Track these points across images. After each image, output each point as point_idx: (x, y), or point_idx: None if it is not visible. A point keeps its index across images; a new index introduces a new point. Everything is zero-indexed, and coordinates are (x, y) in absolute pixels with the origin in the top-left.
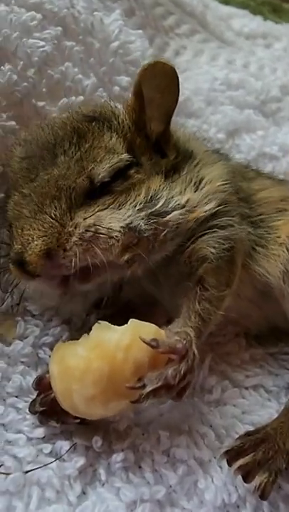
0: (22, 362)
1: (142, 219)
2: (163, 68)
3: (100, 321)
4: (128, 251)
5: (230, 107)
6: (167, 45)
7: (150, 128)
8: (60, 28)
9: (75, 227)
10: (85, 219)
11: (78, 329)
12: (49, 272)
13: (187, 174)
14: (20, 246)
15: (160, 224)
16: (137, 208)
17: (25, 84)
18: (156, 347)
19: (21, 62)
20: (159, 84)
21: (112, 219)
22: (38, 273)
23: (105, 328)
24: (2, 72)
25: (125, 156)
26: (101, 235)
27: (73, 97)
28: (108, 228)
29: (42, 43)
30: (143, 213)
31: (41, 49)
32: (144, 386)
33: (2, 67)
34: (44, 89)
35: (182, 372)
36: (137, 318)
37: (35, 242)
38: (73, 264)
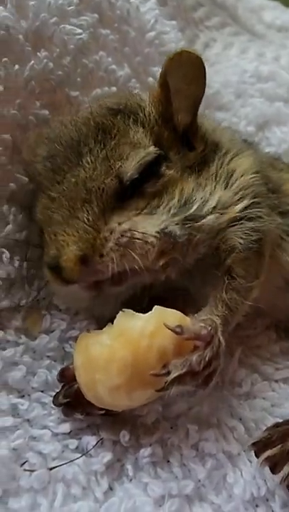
0: (48, 356)
1: (177, 224)
2: (189, 58)
3: (124, 309)
4: (163, 256)
5: (260, 99)
6: (197, 37)
7: (177, 120)
8: (96, 15)
9: (111, 233)
10: (120, 224)
11: (106, 323)
12: (84, 277)
13: (216, 168)
14: (54, 251)
15: (194, 228)
16: (171, 212)
17: (60, 72)
18: (180, 333)
19: (57, 50)
20: (186, 74)
21: (147, 224)
22: (75, 280)
23: (129, 315)
24: (38, 59)
25: (152, 149)
26: (137, 241)
27: (106, 88)
28: (143, 233)
29: (79, 31)
30: (177, 218)
31: (78, 36)
32: (168, 373)
33: (38, 53)
34: (78, 79)
35: (207, 358)
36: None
37: (71, 248)
38: (110, 269)
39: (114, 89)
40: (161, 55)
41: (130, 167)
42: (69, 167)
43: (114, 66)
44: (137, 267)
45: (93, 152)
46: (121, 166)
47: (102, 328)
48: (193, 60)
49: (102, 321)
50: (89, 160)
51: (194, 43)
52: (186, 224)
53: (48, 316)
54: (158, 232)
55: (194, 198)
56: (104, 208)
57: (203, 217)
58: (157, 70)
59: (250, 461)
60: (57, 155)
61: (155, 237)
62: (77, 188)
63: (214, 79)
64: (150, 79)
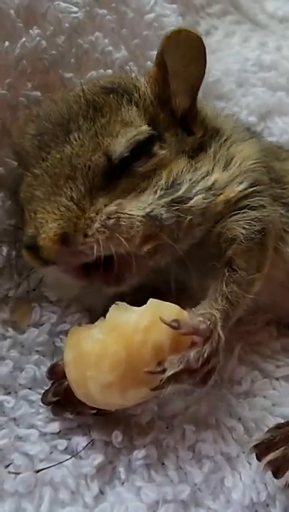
0: (37, 351)
1: (163, 206)
2: (188, 37)
3: (117, 302)
4: (150, 241)
5: (263, 88)
6: (198, 24)
7: (175, 103)
8: None
9: (97, 213)
10: (106, 205)
11: (99, 316)
12: (65, 259)
13: (215, 152)
14: (33, 230)
15: (182, 211)
16: (157, 194)
17: (53, 52)
18: (177, 328)
19: (51, 28)
20: (184, 55)
21: (134, 206)
22: (53, 260)
23: (123, 309)
24: (30, 36)
25: (145, 128)
26: (123, 223)
27: (102, 70)
28: (129, 216)
29: (74, 9)
30: (163, 200)
31: (73, 15)
32: (164, 370)
33: (30, 30)
34: (72, 60)
35: (206, 355)
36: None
37: (50, 225)
38: (95, 251)
39: (110, 71)
40: (160, 38)
41: (120, 145)
42: (56, 144)
43: (110, 48)
44: (123, 251)
45: (82, 129)
46: (110, 143)
47: (94, 323)
48: (193, 39)
49: (95, 314)
50: (76, 136)
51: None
52: (173, 206)
53: (38, 308)
54: (144, 216)
55: (184, 179)
56: (90, 186)
57: (192, 198)
58: (155, 54)
59: (250, 464)
60: (45, 132)
61: (140, 220)
62: (61, 164)
63: (215, 67)
64: (148, 63)
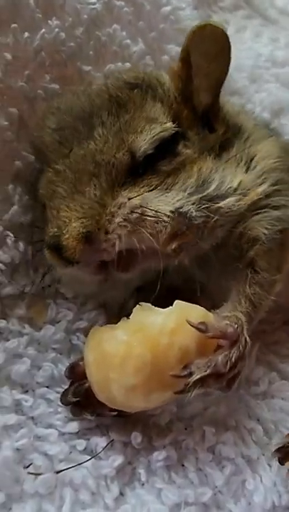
0: (53, 348)
1: (193, 204)
2: (213, 32)
3: (141, 303)
4: (176, 238)
5: (276, 84)
6: (210, 18)
7: (198, 99)
8: None
9: (119, 208)
10: (130, 199)
11: (116, 313)
12: (88, 257)
13: (237, 152)
14: (56, 229)
15: (212, 210)
16: (187, 191)
17: (72, 44)
18: (205, 331)
19: (70, 19)
20: (208, 50)
21: (161, 201)
22: (77, 259)
23: (148, 310)
24: (49, 27)
25: (170, 124)
26: (148, 218)
27: (119, 63)
28: (156, 211)
29: (92, 0)
30: (194, 198)
31: (91, 6)
32: (190, 374)
33: (49, 21)
34: (91, 52)
35: (233, 359)
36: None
37: (74, 225)
38: (116, 248)
39: (127, 65)
40: (177, 32)
41: (144, 141)
42: (78, 139)
43: (128, 41)
44: (146, 248)
45: (105, 125)
46: (134, 139)
47: (111, 320)
48: (218, 35)
49: (112, 311)
50: (100, 132)
51: None
52: (204, 204)
53: (54, 305)
54: (172, 212)
55: (213, 178)
56: (113, 183)
57: (222, 198)
58: (172, 48)
59: (270, 466)
60: (66, 127)
61: (169, 216)
62: (85, 160)
63: None
64: (165, 57)
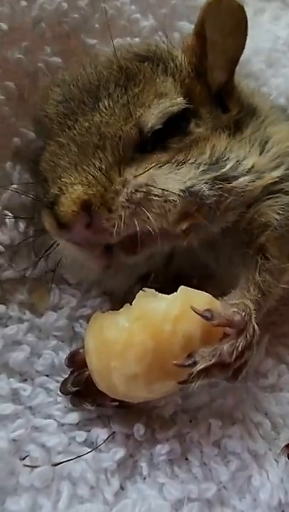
0: (55, 336)
1: (206, 183)
2: (229, 6)
3: (144, 289)
4: (186, 219)
5: None
6: None
7: (212, 76)
8: None
9: (123, 186)
10: (135, 177)
11: (121, 301)
12: (89, 238)
13: (252, 133)
14: (57, 190)
15: (225, 190)
16: (200, 169)
17: (75, 15)
18: (210, 319)
19: None
20: (224, 25)
21: (170, 179)
22: (68, 221)
23: (151, 296)
24: None
25: (180, 100)
26: (154, 198)
27: (128, 38)
28: (164, 190)
29: None
30: (207, 176)
31: None
32: (194, 363)
33: None
34: (96, 25)
35: (240, 348)
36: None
37: (75, 187)
38: (117, 229)
39: (136, 40)
40: (189, 9)
41: (152, 116)
42: (83, 111)
43: (138, 15)
44: (151, 230)
45: (112, 97)
46: (142, 114)
47: (116, 308)
48: (234, 9)
49: (116, 299)
50: (106, 104)
51: None
52: (217, 184)
53: (57, 290)
54: (182, 191)
55: (228, 157)
56: (120, 158)
57: (237, 178)
58: (184, 25)
59: (277, 462)
60: (72, 99)
61: (178, 195)
62: (89, 132)
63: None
64: (176, 33)
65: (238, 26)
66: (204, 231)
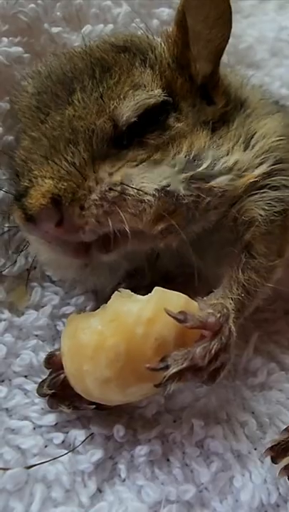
0: (36, 335)
1: (182, 182)
2: None
3: (120, 289)
4: (162, 220)
5: None
6: None
7: (195, 68)
8: None
9: (97, 183)
10: (110, 174)
11: (106, 299)
12: (60, 236)
13: (237, 128)
14: (27, 182)
15: (203, 190)
16: (177, 167)
17: (31, 5)
18: (183, 321)
19: None
20: (208, 16)
21: (145, 178)
22: (35, 213)
23: (126, 297)
24: None
25: (158, 91)
26: (129, 197)
27: (101, 25)
28: (139, 189)
29: None
30: (183, 176)
31: None
32: (167, 367)
33: None
34: (58, 13)
35: (213, 351)
36: (175, 289)
37: (46, 181)
38: (89, 227)
39: (111, 26)
40: None
41: (127, 108)
42: (56, 104)
43: (108, 2)
44: (126, 230)
45: (86, 89)
46: (116, 106)
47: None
48: None
49: (102, 296)
50: (80, 97)
51: None
52: (194, 183)
53: (39, 288)
54: (157, 190)
55: (205, 155)
56: (93, 153)
57: (215, 177)
58: (162, 11)
59: (262, 462)
60: (45, 91)
61: (153, 195)
62: (61, 126)
63: (248, 32)
64: (155, 21)
65: (223, 16)
66: (184, 232)
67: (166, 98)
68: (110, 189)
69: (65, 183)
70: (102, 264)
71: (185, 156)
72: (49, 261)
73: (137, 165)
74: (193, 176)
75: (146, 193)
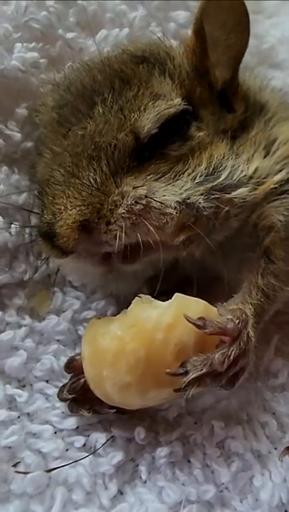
0: (57, 340)
1: (202, 194)
2: (230, 1)
3: (140, 295)
4: (184, 231)
5: None
6: None
7: (214, 75)
8: None
9: (123, 197)
10: (135, 188)
11: (127, 303)
12: (87, 248)
13: (257, 134)
14: (50, 216)
15: (223, 201)
16: (196, 180)
17: (44, 13)
18: (202, 327)
19: None
20: (226, 22)
21: (167, 191)
22: (71, 249)
23: (146, 303)
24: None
25: (178, 101)
26: (153, 210)
27: (117, 29)
28: (162, 202)
29: None
30: (203, 188)
31: None
32: (186, 373)
33: None
34: (72, 19)
35: (232, 357)
36: (196, 294)
37: (69, 212)
38: (118, 240)
39: (126, 30)
40: None
41: (147, 120)
42: (77, 119)
43: (123, 7)
44: (151, 241)
45: (107, 102)
46: (137, 119)
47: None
48: (236, 4)
49: (124, 301)
50: (100, 111)
51: None
52: (213, 195)
53: (60, 293)
54: (179, 203)
55: (224, 166)
56: (115, 168)
57: (234, 188)
58: (179, 14)
59: (282, 461)
60: (65, 104)
61: (175, 208)
62: (83, 143)
63: (270, 32)
64: (172, 24)
65: (241, 21)
66: (206, 241)
67: (186, 107)
68: (136, 202)
69: (90, 206)
70: (124, 272)
71: (205, 168)
72: (74, 270)
73: (159, 177)
74: (212, 188)
75: (168, 206)
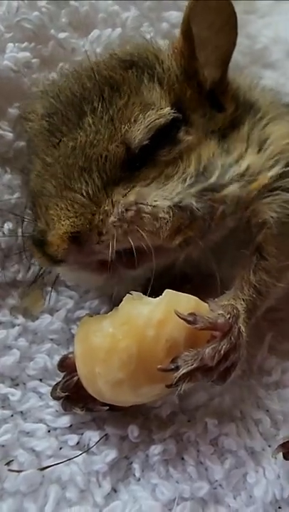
0: (50, 339)
1: (194, 196)
2: (217, 2)
3: (132, 292)
4: (180, 234)
5: None
6: None
7: (203, 75)
8: None
9: (113, 206)
10: (124, 196)
11: (121, 302)
12: (79, 260)
13: (248, 132)
14: (43, 225)
15: (216, 200)
16: (187, 182)
17: (35, 13)
18: (193, 323)
19: None
20: (214, 22)
21: (158, 196)
22: (61, 258)
23: (137, 300)
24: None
25: (167, 110)
26: (145, 215)
27: (109, 29)
28: (153, 207)
29: None
30: (194, 189)
31: None
32: (177, 368)
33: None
34: (64, 20)
35: (222, 351)
36: (190, 290)
37: (62, 223)
38: (110, 249)
39: (119, 30)
40: None
41: (138, 132)
42: (68, 129)
43: (116, 7)
44: (145, 246)
45: (96, 112)
46: (127, 130)
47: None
48: (223, 4)
49: (117, 300)
50: (91, 121)
51: None
52: (205, 195)
53: (54, 292)
54: (170, 207)
55: (215, 165)
56: (107, 179)
57: (226, 186)
58: (171, 15)
59: (275, 458)
60: (55, 113)
61: (167, 212)
62: (74, 154)
63: (263, 32)
64: (164, 24)
65: (229, 21)
66: (204, 241)
67: (175, 115)
68: (127, 210)
69: (81, 218)
70: (124, 277)
71: (195, 169)
72: (74, 279)
73: (149, 183)
74: (204, 188)
75: (160, 211)
